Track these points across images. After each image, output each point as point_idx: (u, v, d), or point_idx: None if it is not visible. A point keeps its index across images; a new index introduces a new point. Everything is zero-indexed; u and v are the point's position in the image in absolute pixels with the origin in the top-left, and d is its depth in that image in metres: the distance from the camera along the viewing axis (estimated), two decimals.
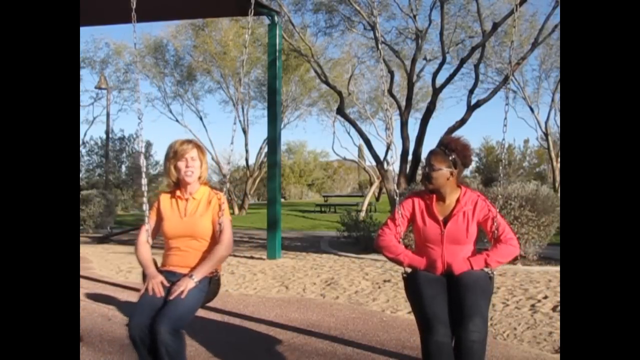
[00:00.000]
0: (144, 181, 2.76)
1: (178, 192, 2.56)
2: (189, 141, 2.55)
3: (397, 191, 2.78)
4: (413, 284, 2.46)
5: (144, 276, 2.49)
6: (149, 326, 2.19)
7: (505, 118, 2.71)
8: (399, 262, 2.57)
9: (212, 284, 2.48)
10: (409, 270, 2.57)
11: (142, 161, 2.83)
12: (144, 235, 2.55)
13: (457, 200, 2.55)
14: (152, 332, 2.17)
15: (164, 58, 21.57)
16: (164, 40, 21.17)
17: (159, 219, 2.57)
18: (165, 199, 2.59)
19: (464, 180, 2.66)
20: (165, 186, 2.72)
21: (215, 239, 2.50)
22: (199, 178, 2.56)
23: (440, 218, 2.53)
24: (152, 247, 2.58)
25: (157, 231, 2.60)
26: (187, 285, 2.31)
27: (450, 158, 2.51)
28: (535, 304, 4.38)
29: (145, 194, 2.71)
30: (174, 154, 2.49)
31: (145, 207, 2.61)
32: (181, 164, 2.48)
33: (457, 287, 2.36)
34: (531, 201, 6.64)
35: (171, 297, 2.28)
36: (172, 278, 2.43)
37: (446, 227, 2.50)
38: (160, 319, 2.18)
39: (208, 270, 2.43)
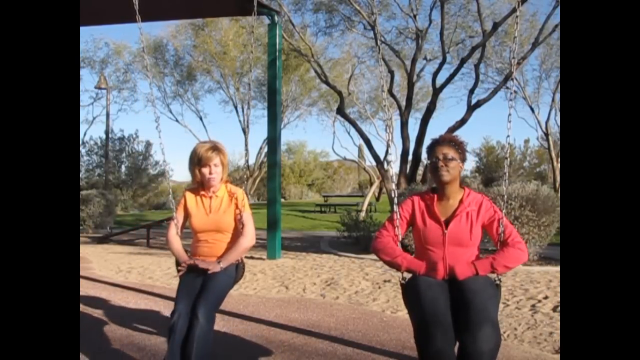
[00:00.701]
0: (169, 184, 3.30)
1: (202, 191, 2.81)
2: (213, 148, 2.73)
3: (396, 191, 2.61)
4: (413, 289, 2.28)
5: (178, 265, 2.77)
6: (189, 312, 2.46)
7: (510, 114, 2.51)
8: (397, 266, 2.39)
9: (238, 270, 2.80)
10: (407, 275, 2.39)
11: (167, 170, 3.51)
12: (174, 230, 2.83)
13: (461, 201, 2.42)
14: (191, 316, 2.44)
15: (163, 58, 21.59)
16: (164, 40, 21.21)
17: (186, 214, 2.83)
18: (190, 196, 2.83)
19: (465, 180, 2.58)
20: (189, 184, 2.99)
21: (237, 231, 2.78)
22: (221, 179, 2.79)
23: (442, 219, 2.40)
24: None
25: (184, 225, 2.87)
26: (214, 268, 2.62)
27: (459, 152, 2.44)
28: (535, 304, 4.38)
29: (171, 193, 3.11)
30: (198, 161, 2.71)
31: (172, 205, 2.90)
32: (205, 170, 2.71)
33: (462, 292, 2.19)
34: (531, 201, 6.64)
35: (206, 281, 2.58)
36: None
37: (448, 228, 2.37)
38: (199, 305, 2.46)
39: (234, 258, 2.73)
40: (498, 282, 2.36)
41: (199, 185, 2.81)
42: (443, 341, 1.99)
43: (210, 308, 2.49)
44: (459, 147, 2.45)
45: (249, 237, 2.76)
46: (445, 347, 1.98)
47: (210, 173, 2.71)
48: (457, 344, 2.07)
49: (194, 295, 2.55)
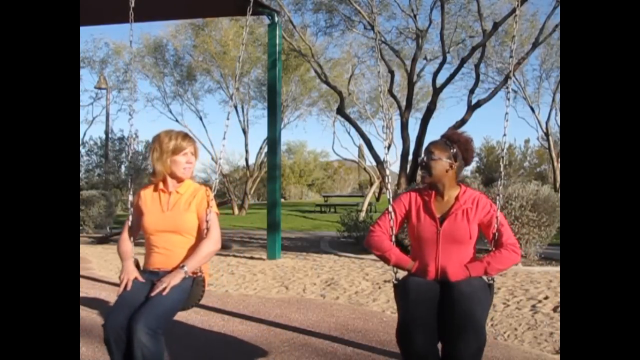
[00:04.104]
0: (130, 179, 2.76)
1: (161, 185, 2.46)
2: (188, 137, 2.46)
3: (390, 191, 2.58)
4: (401, 290, 2.30)
5: (121, 271, 2.42)
6: (125, 327, 2.08)
7: (507, 114, 2.53)
8: (386, 260, 2.39)
9: (195, 284, 2.35)
10: (399, 276, 2.41)
11: (130, 148, 2.82)
12: (127, 232, 2.53)
13: (456, 198, 2.38)
14: (128, 332, 2.06)
15: (163, 58, 21.57)
16: (163, 40, 21.19)
17: (139, 214, 2.46)
18: (145, 193, 2.49)
19: (465, 180, 2.51)
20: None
21: (201, 236, 2.40)
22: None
23: (437, 215, 2.36)
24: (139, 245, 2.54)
25: (139, 228, 2.52)
26: (172, 279, 2.23)
27: (452, 150, 2.38)
28: (535, 305, 4.38)
29: (131, 191, 2.62)
30: (174, 149, 2.39)
31: (130, 204, 2.56)
32: (181, 159, 2.40)
33: (451, 295, 2.17)
34: (532, 201, 6.64)
35: (153, 293, 2.19)
36: (154, 278, 2.34)
37: (442, 225, 2.33)
38: (137, 318, 2.07)
39: (198, 263, 2.33)
40: (491, 281, 2.36)
41: (159, 181, 2.46)
42: (423, 343, 2.00)
43: (152, 324, 2.06)
44: (455, 145, 2.40)
45: (214, 240, 2.37)
46: (426, 349, 2.00)
47: (187, 162, 2.41)
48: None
49: (131, 309, 2.15)
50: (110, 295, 5.08)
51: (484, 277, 2.33)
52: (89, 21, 8.44)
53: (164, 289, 2.19)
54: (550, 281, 5.33)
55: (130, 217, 2.52)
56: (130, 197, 2.56)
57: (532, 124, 49.81)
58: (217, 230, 2.41)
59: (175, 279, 2.23)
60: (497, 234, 2.34)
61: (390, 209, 2.46)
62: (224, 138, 2.79)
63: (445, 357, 2.04)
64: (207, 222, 2.40)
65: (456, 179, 2.44)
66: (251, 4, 2.97)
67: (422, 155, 2.44)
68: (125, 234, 2.52)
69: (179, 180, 2.45)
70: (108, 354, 2.13)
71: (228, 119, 2.85)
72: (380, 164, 10.99)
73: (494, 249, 2.36)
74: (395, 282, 2.40)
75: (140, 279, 2.34)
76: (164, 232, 2.38)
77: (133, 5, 2.77)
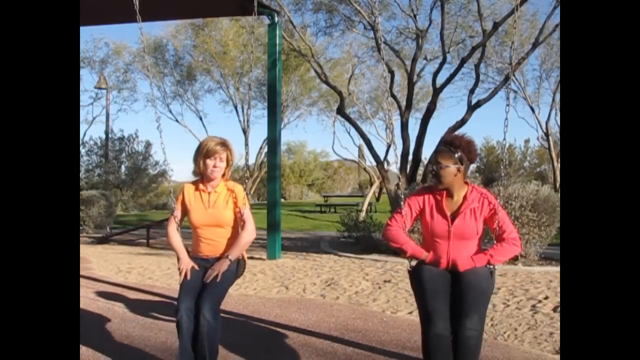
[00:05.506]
0: (170, 183, 3.31)
1: (201, 185, 2.85)
2: (222, 143, 2.80)
3: (402, 190, 2.88)
4: (417, 278, 2.58)
5: (179, 261, 2.82)
6: (193, 308, 2.56)
7: (506, 120, 2.76)
8: (403, 252, 2.67)
9: (239, 265, 2.87)
10: (413, 264, 2.68)
11: (168, 170, 3.50)
12: (174, 225, 2.88)
13: (465, 197, 2.62)
14: (196, 312, 2.54)
15: (163, 58, 21.59)
16: (163, 40, 21.21)
17: (184, 209, 2.87)
18: (189, 190, 2.87)
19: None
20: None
21: (237, 226, 2.84)
22: (223, 175, 2.86)
23: (449, 214, 2.61)
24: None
25: (183, 220, 2.91)
26: (221, 266, 2.69)
27: (456, 155, 2.57)
28: (536, 305, 4.38)
29: (172, 191, 3.16)
30: (206, 152, 2.77)
31: (172, 200, 2.95)
32: (210, 162, 2.77)
33: (460, 285, 2.48)
34: (532, 201, 6.64)
35: (209, 280, 2.64)
36: (205, 264, 2.78)
37: (454, 223, 2.58)
38: (202, 302, 2.55)
39: (239, 252, 2.80)
40: (493, 269, 2.63)
41: (199, 179, 2.87)
42: (441, 327, 2.35)
43: (214, 306, 2.58)
44: (459, 149, 2.59)
45: (250, 231, 2.82)
46: (443, 332, 2.35)
47: (214, 165, 2.77)
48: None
49: (195, 293, 2.62)
50: (110, 295, 5.09)
51: (488, 266, 2.61)
52: (89, 21, 8.44)
53: (217, 275, 2.65)
54: (550, 281, 5.33)
55: (176, 212, 2.87)
56: (172, 197, 2.99)
57: (532, 124, 49.75)
58: (252, 223, 2.85)
59: (223, 267, 2.70)
60: (498, 229, 2.60)
61: (406, 205, 2.71)
62: (246, 144, 3.16)
63: (455, 338, 2.35)
64: (242, 216, 2.81)
65: (464, 179, 2.66)
66: (256, 7, 2.98)
67: (430, 165, 2.68)
68: (172, 228, 2.88)
69: (210, 179, 2.82)
70: (177, 332, 2.57)
71: (247, 127, 3.20)
72: (380, 164, 10.99)
73: (496, 242, 2.63)
74: (409, 269, 2.70)
75: (196, 267, 2.77)
76: (209, 226, 2.82)
77: (138, 7, 2.79)
